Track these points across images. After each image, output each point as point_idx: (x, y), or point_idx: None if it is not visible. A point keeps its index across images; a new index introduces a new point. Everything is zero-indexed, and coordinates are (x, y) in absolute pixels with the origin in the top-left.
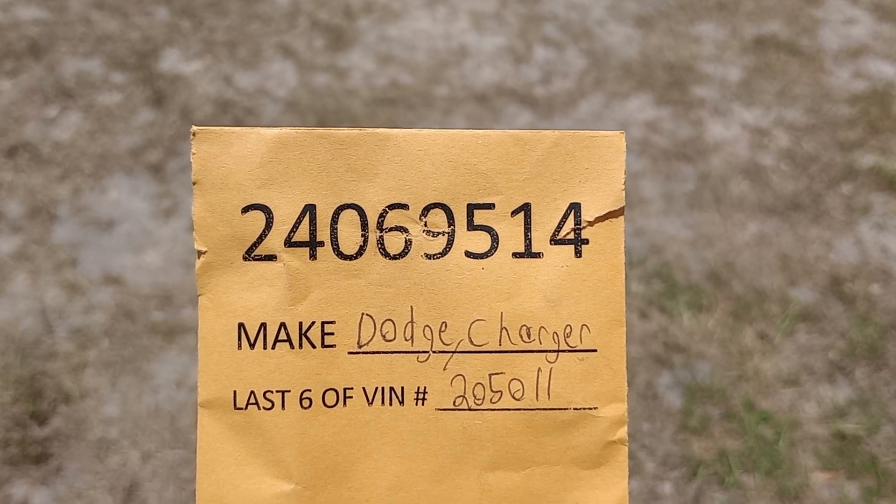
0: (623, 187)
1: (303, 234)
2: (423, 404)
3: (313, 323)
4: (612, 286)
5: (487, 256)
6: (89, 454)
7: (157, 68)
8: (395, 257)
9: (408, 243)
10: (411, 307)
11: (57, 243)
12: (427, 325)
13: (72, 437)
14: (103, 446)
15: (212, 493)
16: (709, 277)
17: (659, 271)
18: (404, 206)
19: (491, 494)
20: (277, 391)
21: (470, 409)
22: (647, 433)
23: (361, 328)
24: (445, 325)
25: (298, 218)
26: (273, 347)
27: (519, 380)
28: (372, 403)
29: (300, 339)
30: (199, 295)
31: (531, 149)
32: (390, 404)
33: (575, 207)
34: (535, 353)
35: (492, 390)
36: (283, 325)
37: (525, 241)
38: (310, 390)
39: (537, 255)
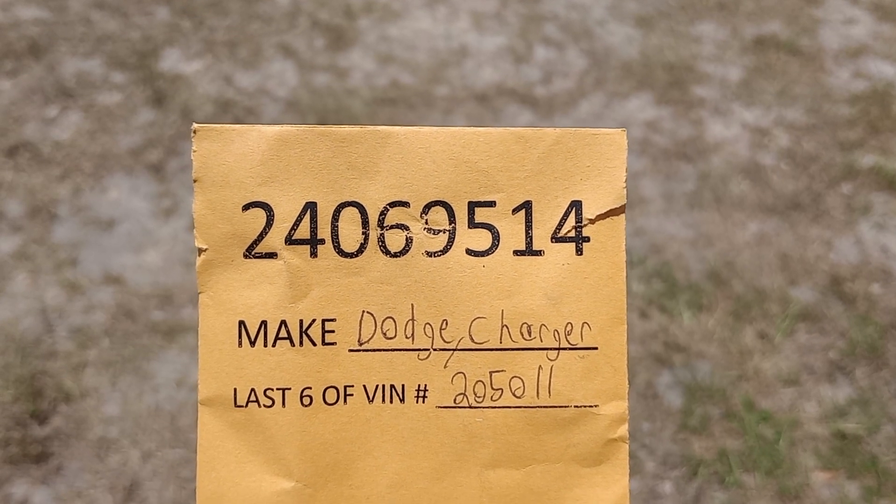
0: (624, 185)
1: (303, 231)
2: (423, 402)
3: (314, 320)
4: (613, 284)
5: (488, 254)
6: (89, 453)
7: (157, 68)
8: (395, 255)
9: (408, 241)
10: (412, 305)
11: (57, 243)
12: (428, 323)
13: (72, 436)
14: (103, 445)
15: (212, 490)
16: (709, 277)
17: (659, 271)
18: (405, 204)
19: (491, 492)
20: (278, 389)
21: (471, 407)
22: (648, 433)
23: (362, 326)
24: (446, 323)
25: (299, 215)
26: (273, 345)
27: (520, 377)
28: (372, 401)
29: (301, 336)
30: (199, 292)
31: (532, 146)
32: (391, 402)
33: (576, 205)
34: (536, 351)
35: (492, 388)
36: (283, 322)
37: (526, 239)
38: (310, 388)
39: (538, 253)
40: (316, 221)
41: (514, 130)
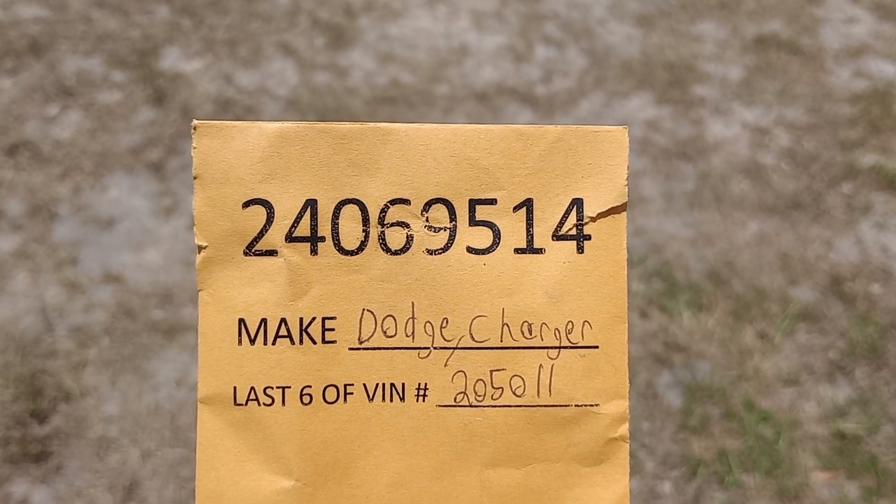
0: (626, 183)
1: (304, 229)
2: (423, 401)
3: (314, 318)
4: (614, 282)
5: (489, 252)
6: (89, 452)
7: (157, 67)
8: (396, 253)
9: (409, 239)
10: (412, 303)
11: (57, 241)
12: (428, 321)
13: (72, 435)
14: (103, 445)
15: (211, 489)
16: (709, 276)
17: (659, 270)
18: (406, 202)
19: (491, 491)
20: (278, 387)
21: (471, 406)
22: (647, 432)
23: (362, 324)
24: (447, 322)
25: (299, 213)
26: (273, 343)
27: (520, 376)
28: (372, 400)
29: (301, 334)
30: (199, 290)
31: (533, 144)
32: (391, 401)
33: (577, 203)
34: (537, 350)
35: (493, 387)
36: (283, 320)
37: (527, 237)
38: (310, 386)
39: (539, 251)
40: (316, 219)
41: (516, 128)
